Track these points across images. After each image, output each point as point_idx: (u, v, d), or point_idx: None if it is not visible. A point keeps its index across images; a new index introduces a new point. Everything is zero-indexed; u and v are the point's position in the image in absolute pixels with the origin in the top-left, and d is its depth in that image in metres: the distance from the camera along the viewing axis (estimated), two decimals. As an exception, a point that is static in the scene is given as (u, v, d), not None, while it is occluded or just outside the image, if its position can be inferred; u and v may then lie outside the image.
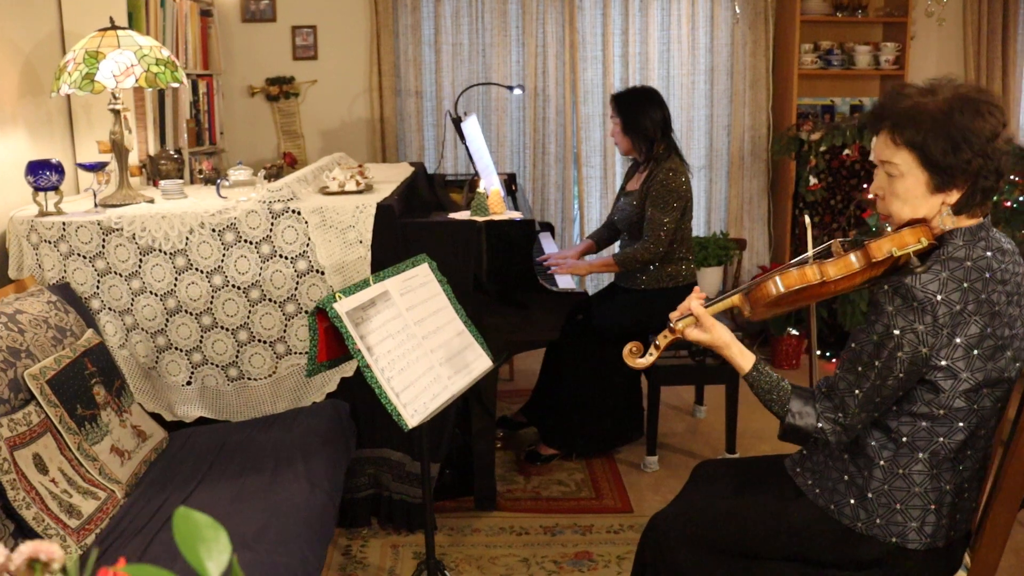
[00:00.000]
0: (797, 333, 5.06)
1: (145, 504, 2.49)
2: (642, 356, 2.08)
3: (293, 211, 3.02)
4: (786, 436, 1.98)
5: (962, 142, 1.79)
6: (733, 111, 5.50)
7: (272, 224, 3.01)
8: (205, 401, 3.14)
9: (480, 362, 2.64)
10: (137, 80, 3.04)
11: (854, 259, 1.92)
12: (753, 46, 5.40)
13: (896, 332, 1.82)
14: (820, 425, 1.91)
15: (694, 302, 2.03)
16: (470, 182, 4.33)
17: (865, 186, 4.77)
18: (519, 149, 5.47)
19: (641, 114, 3.82)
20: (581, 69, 5.39)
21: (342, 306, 2.23)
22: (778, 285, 1.95)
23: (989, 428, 1.93)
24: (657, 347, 2.06)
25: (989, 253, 1.86)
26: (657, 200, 3.77)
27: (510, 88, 4.53)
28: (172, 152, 3.81)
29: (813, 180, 4.69)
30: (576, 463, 3.95)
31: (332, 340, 2.33)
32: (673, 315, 2.07)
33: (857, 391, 1.87)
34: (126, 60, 3.03)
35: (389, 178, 3.73)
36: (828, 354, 5.20)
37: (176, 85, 3.20)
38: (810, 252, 2.03)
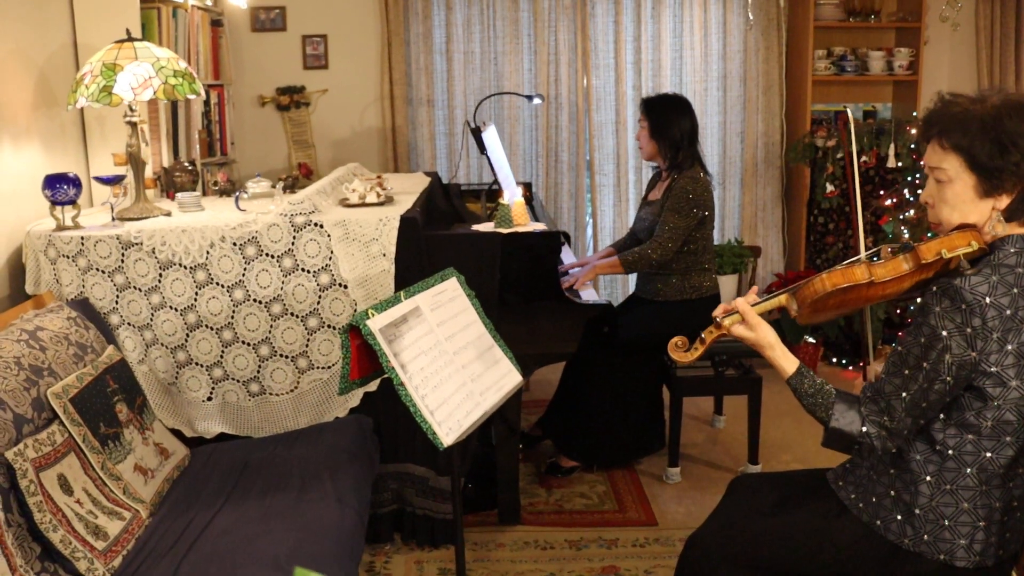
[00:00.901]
0: (814, 341, 5.02)
1: (171, 524, 2.45)
2: (687, 350, 2.04)
3: (315, 224, 2.97)
4: (830, 442, 1.95)
5: (1010, 144, 1.79)
6: (746, 118, 5.46)
7: (294, 238, 2.97)
8: (226, 417, 3.09)
9: (510, 377, 2.59)
10: (155, 92, 3.00)
11: (903, 261, 1.91)
12: (766, 52, 5.37)
13: (944, 334, 1.79)
14: (865, 429, 1.88)
15: (740, 299, 2.01)
16: (487, 191, 4.29)
17: (882, 192, 4.74)
18: (532, 158, 5.43)
19: (670, 121, 3.79)
20: (594, 76, 5.35)
21: (375, 323, 2.18)
22: (825, 283, 1.92)
23: None
24: (703, 341, 2.04)
25: None
26: (672, 205, 3.73)
27: (529, 97, 4.49)
28: (187, 164, 3.77)
29: (830, 187, 4.66)
30: (597, 475, 3.90)
31: (364, 357, 2.29)
32: (717, 311, 2.03)
33: (904, 394, 1.84)
34: (144, 72, 2.99)
35: (407, 189, 3.69)
36: (844, 361, 5.16)
37: (193, 97, 3.16)
38: (862, 253, 2.01)
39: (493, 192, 4.24)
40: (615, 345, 3.74)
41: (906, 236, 4.59)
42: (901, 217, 4.57)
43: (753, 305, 2.03)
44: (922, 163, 1.97)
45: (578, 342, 3.24)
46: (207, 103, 4.46)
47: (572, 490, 3.77)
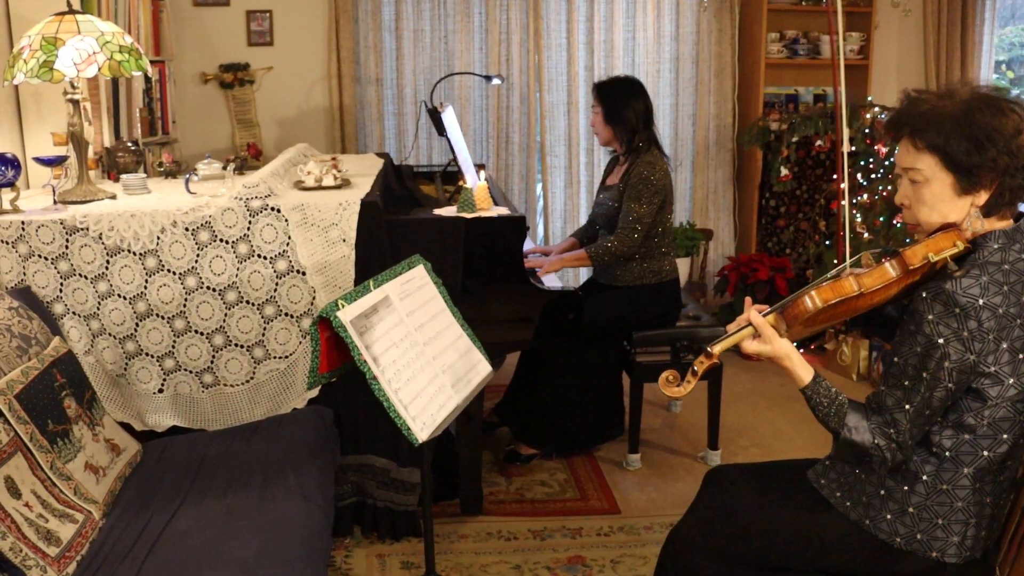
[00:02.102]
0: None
1: (126, 526, 2.32)
2: (679, 384, 1.96)
3: (272, 208, 2.85)
4: (840, 452, 1.90)
5: (985, 140, 1.75)
6: (699, 100, 5.44)
7: (250, 222, 2.84)
8: (178, 409, 2.96)
9: (481, 367, 2.52)
10: (100, 69, 2.84)
11: (890, 268, 1.85)
12: (719, 34, 5.35)
13: (940, 341, 1.75)
14: (877, 441, 1.83)
15: (753, 314, 1.92)
16: (441, 173, 4.19)
17: (835, 177, 4.76)
18: (482, 138, 5.34)
19: (624, 104, 3.73)
20: (545, 57, 5.27)
21: (346, 315, 2.09)
22: (815, 300, 1.85)
23: (1020, 441, 1.88)
24: (695, 374, 1.94)
25: None
26: (633, 193, 3.68)
27: (488, 78, 4.39)
28: (129, 144, 3.60)
29: (784, 171, 4.66)
30: (556, 462, 3.85)
31: (333, 350, 2.19)
32: (730, 327, 1.96)
33: (908, 406, 1.80)
34: (87, 47, 2.83)
35: (362, 171, 3.57)
36: (795, 344, 5.18)
37: (139, 74, 3.00)
38: (847, 261, 1.96)
39: (449, 174, 4.14)
40: (575, 331, 3.68)
41: (858, 220, 4.62)
42: (854, 201, 4.59)
43: (724, 339, 1.94)
44: (896, 164, 1.91)
45: (544, 329, 3.17)
46: (148, 80, 4.26)
47: (532, 478, 3.71)
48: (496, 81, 4.38)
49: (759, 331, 1.91)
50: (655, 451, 3.98)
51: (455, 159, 3.75)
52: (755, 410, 4.42)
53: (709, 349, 1.93)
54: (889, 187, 4.42)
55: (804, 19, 5.36)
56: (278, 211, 2.85)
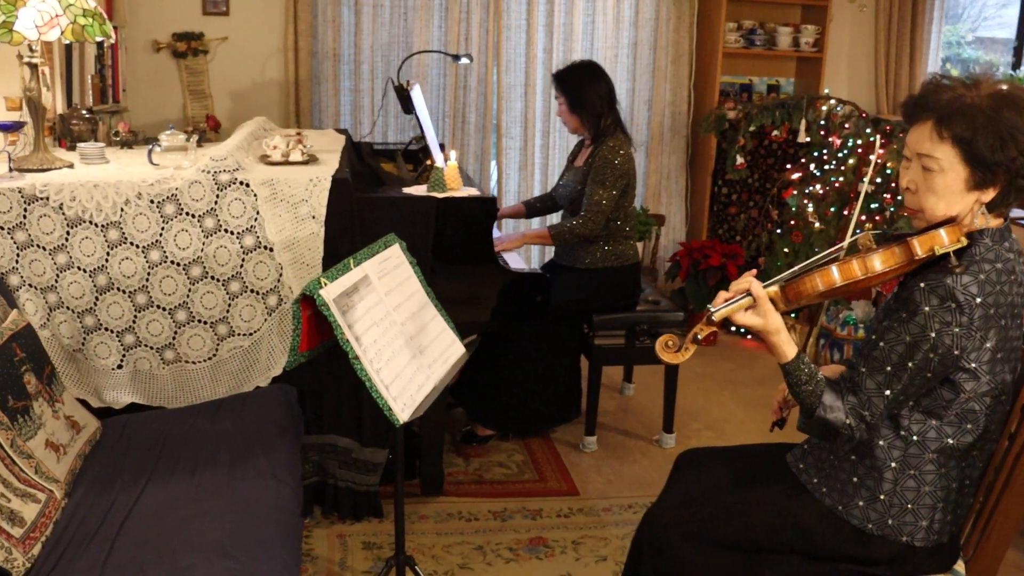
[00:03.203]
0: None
1: (90, 506, 2.26)
2: (679, 350, 1.96)
3: (241, 183, 2.79)
4: (810, 428, 1.93)
5: (1009, 139, 1.75)
6: (655, 86, 5.47)
7: (217, 196, 2.78)
8: (137, 386, 2.89)
9: (455, 348, 2.51)
10: (63, 32, 2.74)
11: (894, 254, 1.85)
12: (677, 22, 5.37)
13: (932, 334, 1.79)
14: (849, 421, 1.87)
15: (756, 285, 1.90)
16: (403, 152, 4.15)
17: (788, 166, 4.83)
18: (439, 118, 5.29)
19: (587, 90, 3.73)
20: (505, 38, 5.24)
21: (328, 293, 2.06)
22: (821, 282, 1.86)
23: (994, 432, 1.94)
24: (696, 340, 1.94)
25: (1012, 255, 1.85)
26: (596, 176, 3.70)
27: (456, 57, 4.34)
28: (84, 112, 3.48)
29: (740, 159, 4.72)
30: (513, 444, 3.87)
31: (313, 329, 2.16)
32: (717, 301, 1.94)
33: (888, 392, 1.84)
34: (50, 9, 2.72)
35: (325, 147, 3.51)
36: (743, 330, 5.27)
37: (101, 39, 2.91)
38: (845, 242, 1.98)
39: (410, 153, 4.10)
40: (543, 313, 3.69)
41: (810, 209, 4.70)
42: (807, 191, 4.67)
43: (725, 305, 1.92)
44: (908, 147, 1.88)
45: (510, 311, 3.17)
46: (100, 46, 4.13)
47: (490, 459, 3.72)
48: (465, 61, 4.35)
49: (758, 303, 1.89)
50: (610, 434, 4.01)
51: (423, 137, 3.71)
52: (706, 394, 4.48)
53: (712, 316, 1.91)
54: (841, 178, 4.50)
55: (762, 10, 5.42)
56: (247, 185, 2.80)
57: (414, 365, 2.26)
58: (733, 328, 5.21)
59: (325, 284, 2.06)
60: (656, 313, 3.82)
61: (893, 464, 1.92)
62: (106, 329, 2.83)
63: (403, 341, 2.27)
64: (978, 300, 1.77)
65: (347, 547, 3.03)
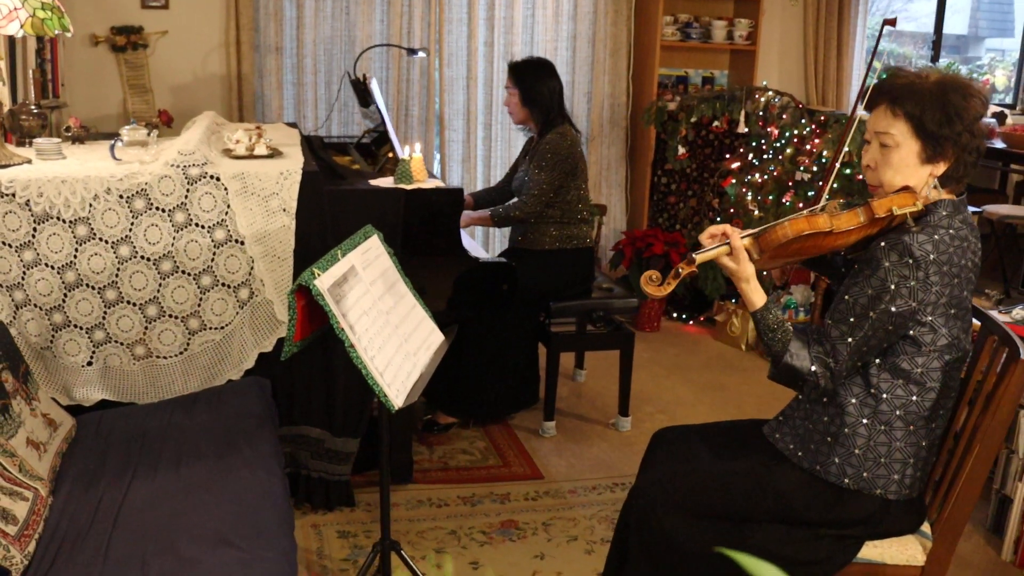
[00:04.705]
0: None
1: (78, 503, 2.25)
2: (660, 284, 2.07)
3: (212, 177, 2.79)
4: (778, 376, 2.08)
5: (955, 116, 1.97)
6: (594, 79, 5.57)
7: (188, 190, 2.78)
8: (107, 382, 2.87)
9: (435, 336, 2.56)
10: (23, 25, 2.70)
11: (859, 213, 2.04)
12: (615, 15, 5.49)
13: (891, 286, 1.96)
14: (813, 368, 2.02)
15: (734, 232, 2.07)
16: (356, 145, 4.17)
17: (728, 156, 4.99)
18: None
19: (541, 86, 3.84)
20: (447, 31, 5.28)
21: (322, 283, 2.09)
22: (788, 229, 2.03)
23: (951, 396, 2.10)
24: (677, 276, 2.07)
25: (965, 227, 2.04)
26: (539, 160, 3.82)
27: (412, 51, 4.38)
28: (33, 107, 3.41)
29: (682, 149, 4.86)
30: (474, 431, 3.93)
31: (306, 319, 2.19)
32: (703, 236, 2.10)
33: (850, 339, 2.00)
34: (8, 2, 2.68)
35: (282, 141, 3.52)
36: (685, 316, 5.43)
37: (59, 33, 2.87)
38: (820, 205, 2.15)
39: (363, 146, 4.12)
40: (509, 302, 3.76)
41: (749, 198, 4.87)
42: (746, 180, 4.84)
43: (707, 250, 2.08)
44: (868, 130, 2.09)
45: (479, 300, 3.23)
46: (40, 40, 4.04)
47: (453, 447, 3.78)
48: (421, 55, 4.38)
49: (734, 251, 2.06)
50: (567, 419, 4.11)
51: (375, 129, 3.74)
52: (655, 379, 4.61)
53: (693, 256, 2.06)
54: (781, 167, 4.67)
55: (696, 4, 5.58)
56: (217, 179, 2.80)
57: (402, 353, 2.30)
58: (675, 314, 5.40)
59: (318, 274, 2.10)
60: (610, 300, 3.93)
61: (865, 420, 2.07)
62: (75, 326, 2.80)
63: (390, 329, 2.31)
64: (932, 256, 1.95)
65: (322, 536, 3.05)
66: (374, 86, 3.62)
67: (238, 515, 2.15)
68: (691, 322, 5.42)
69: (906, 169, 2.03)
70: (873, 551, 2.14)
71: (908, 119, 2.00)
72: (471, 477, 3.52)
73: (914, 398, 2.05)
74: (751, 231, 2.10)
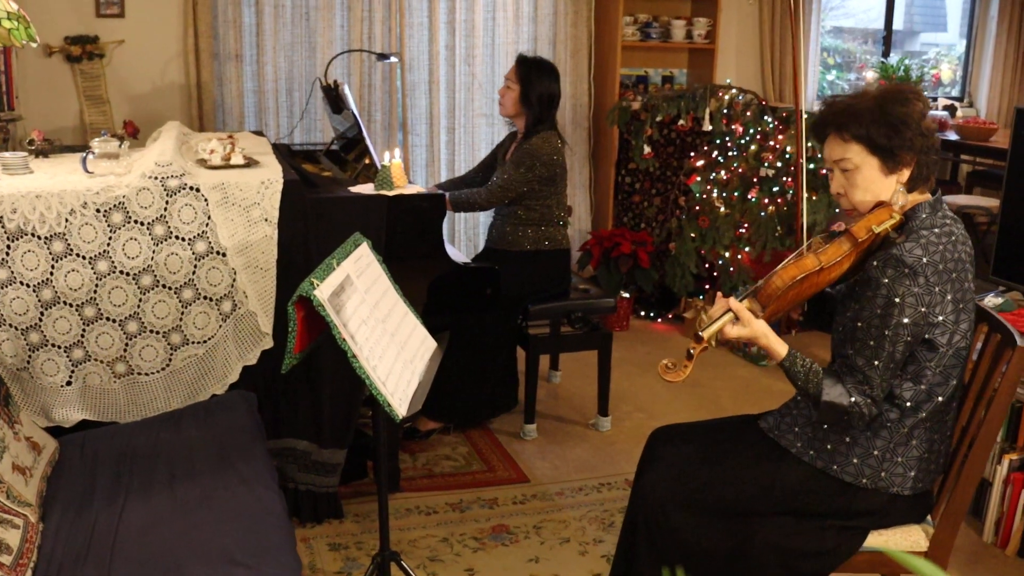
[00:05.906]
0: (628, 295, 5.27)
1: (71, 528, 2.19)
2: (677, 370, 2.07)
3: (191, 188, 2.73)
4: (825, 416, 2.07)
5: (900, 124, 2.02)
6: (556, 80, 5.57)
7: (167, 202, 2.71)
8: (87, 402, 2.79)
9: (428, 343, 2.53)
10: (-10, 37, 2.62)
11: (842, 243, 2.08)
12: (575, 16, 5.50)
13: (897, 299, 1.97)
14: (854, 399, 2.02)
15: (732, 301, 2.06)
16: (325, 152, 4.12)
17: (693, 154, 5.03)
18: (345, 117, 5.25)
19: (542, 87, 3.85)
20: (408, 36, 5.25)
21: (322, 293, 2.05)
22: (783, 278, 2.06)
23: (961, 387, 2.14)
24: (691, 357, 2.06)
25: (948, 220, 2.09)
26: (518, 158, 3.83)
27: (382, 56, 4.34)
28: (-7, 120, 3.32)
29: (647, 149, 4.88)
30: (455, 436, 3.91)
31: (304, 330, 2.15)
32: (703, 320, 2.09)
33: (876, 362, 2.00)
34: (-25, 13, 2.60)
35: (254, 149, 3.46)
36: (653, 315, 5.46)
37: (26, 43, 2.79)
38: (804, 246, 2.17)
39: (333, 153, 4.08)
40: (492, 306, 3.74)
41: (715, 195, 4.91)
42: (711, 177, 4.88)
43: (710, 325, 2.06)
44: (826, 161, 2.16)
45: (463, 305, 3.21)
46: (-6, 51, 3.93)
47: (436, 453, 3.75)
48: (393, 59, 4.35)
49: (738, 316, 2.05)
50: (546, 421, 4.10)
51: (355, 135, 3.70)
52: (629, 378, 4.63)
53: (700, 334, 2.05)
54: (745, 164, 4.72)
55: (656, 4, 5.61)
56: (197, 190, 2.74)
57: (400, 361, 2.28)
58: (643, 312, 5.42)
59: (317, 284, 2.06)
60: (588, 300, 3.93)
61: (889, 424, 2.08)
62: (53, 345, 2.72)
63: (388, 338, 2.28)
64: (924, 260, 1.99)
65: (314, 550, 3.01)
66: (347, 91, 3.58)
67: (242, 533, 2.11)
68: (659, 320, 5.45)
69: (873, 186, 2.08)
70: (878, 539, 2.16)
71: (858, 140, 2.05)
72: (457, 483, 3.50)
73: (939, 398, 2.08)
74: (746, 291, 2.12)
